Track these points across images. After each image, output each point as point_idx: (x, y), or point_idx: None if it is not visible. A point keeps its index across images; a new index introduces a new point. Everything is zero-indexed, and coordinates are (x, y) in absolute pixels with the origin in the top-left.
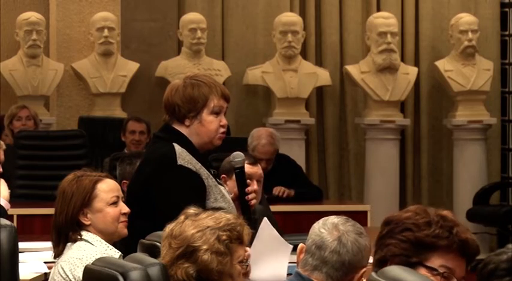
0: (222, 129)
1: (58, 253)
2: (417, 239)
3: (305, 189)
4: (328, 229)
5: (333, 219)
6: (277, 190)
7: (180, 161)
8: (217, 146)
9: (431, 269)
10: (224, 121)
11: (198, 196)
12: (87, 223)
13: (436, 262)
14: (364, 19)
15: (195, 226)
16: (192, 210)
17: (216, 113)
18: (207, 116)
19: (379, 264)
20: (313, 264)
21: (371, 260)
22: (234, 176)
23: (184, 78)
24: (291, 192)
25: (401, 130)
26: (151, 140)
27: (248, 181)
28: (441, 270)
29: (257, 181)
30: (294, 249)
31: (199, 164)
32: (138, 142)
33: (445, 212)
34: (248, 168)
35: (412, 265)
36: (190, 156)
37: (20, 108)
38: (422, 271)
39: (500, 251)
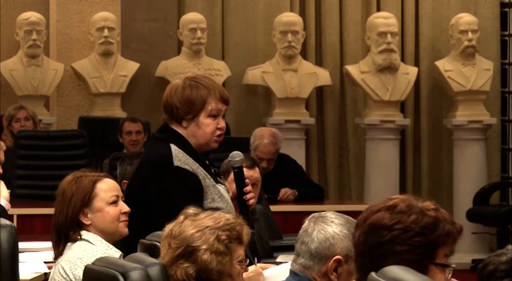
0: (218, 132)
1: (58, 253)
2: (431, 242)
3: (307, 188)
4: (306, 222)
5: (320, 213)
6: (283, 193)
7: (176, 162)
8: (214, 148)
9: (442, 266)
10: (222, 124)
11: (195, 197)
12: (88, 222)
13: (441, 256)
14: (364, 19)
15: (194, 225)
16: (191, 210)
17: (213, 116)
18: (204, 119)
19: None
20: (293, 258)
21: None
22: (229, 177)
23: (184, 78)
24: (295, 192)
25: (401, 130)
26: (150, 140)
27: (247, 180)
28: (447, 262)
29: (253, 185)
30: (294, 249)
31: (197, 164)
32: (136, 142)
33: (431, 204)
34: (244, 171)
35: (424, 266)
36: (187, 156)
37: (17, 109)
38: (433, 269)
39: (500, 253)
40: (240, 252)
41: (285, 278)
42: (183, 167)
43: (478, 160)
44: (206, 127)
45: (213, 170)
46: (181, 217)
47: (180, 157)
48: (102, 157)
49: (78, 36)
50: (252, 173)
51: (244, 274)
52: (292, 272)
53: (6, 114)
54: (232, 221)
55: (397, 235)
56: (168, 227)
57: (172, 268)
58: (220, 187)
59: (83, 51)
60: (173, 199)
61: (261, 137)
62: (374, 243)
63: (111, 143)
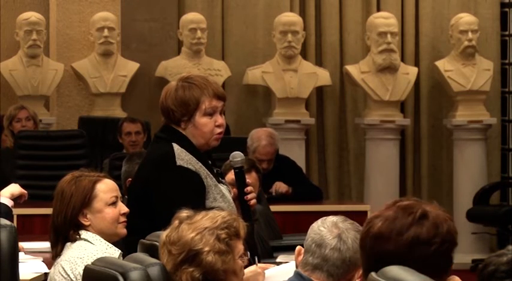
0: (218, 130)
1: (57, 253)
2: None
3: (304, 188)
4: (327, 227)
5: (332, 218)
6: (276, 185)
7: (179, 162)
8: (215, 146)
9: None
10: (220, 121)
11: (197, 196)
12: (87, 223)
13: None
14: (364, 19)
15: (192, 229)
16: (183, 213)
17: (209, 114)
18: (200, 119)
19: None
20: (313, 263)
21: None
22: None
23: (178, 80)
24: (289, 189)
25: (401, 130)
26: (152, 140)
27: (248, 181)
28: None
29: None
30: (294, 249)
31: (200, 163)
32: (135, 143)
33: (441, 208)
34: None
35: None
36: (190, 156)
37: (18, 109)
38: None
39: (500, 253)
40: (240, 247)
41: (286, 279)
42: (185, 166)
43: (478, 160)
44: (203, 127)
45: (215, 170)
46: (176, 222)
47: (182, 156)
48: (102, 157)
49: (78, 36)
50: (247, 178)
51: (244, 275)
52: (298, 275)
53: (7, 114)
54: (228, 218)
55: (436, 249)
56: (165, 234)
57: (177, 274)
58: (222, 187)
59: (83, 51)
60: (175, 198)
61: (258, 138)
62: (416, 256)
63: (111, 143)
